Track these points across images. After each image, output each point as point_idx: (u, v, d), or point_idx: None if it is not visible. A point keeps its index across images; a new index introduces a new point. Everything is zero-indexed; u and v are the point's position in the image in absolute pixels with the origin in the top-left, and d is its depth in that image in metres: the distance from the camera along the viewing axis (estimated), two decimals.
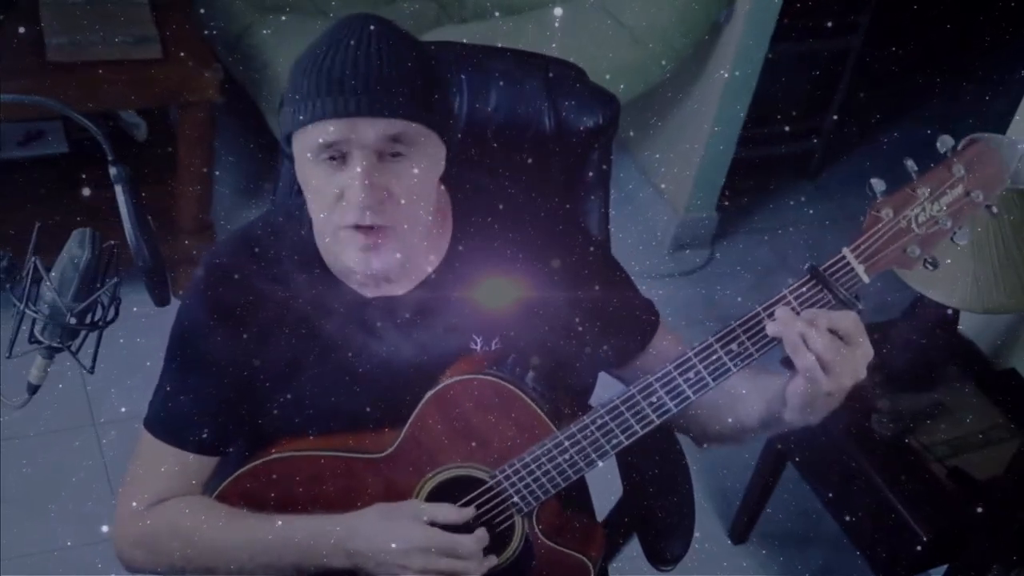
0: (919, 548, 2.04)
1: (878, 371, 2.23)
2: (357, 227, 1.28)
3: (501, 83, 1.69)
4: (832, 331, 1.20)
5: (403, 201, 1.28)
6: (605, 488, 1.70)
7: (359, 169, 1.25)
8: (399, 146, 1.26)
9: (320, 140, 1.25)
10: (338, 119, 1.23)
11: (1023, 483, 2.03)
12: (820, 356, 1.20)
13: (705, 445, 1.50)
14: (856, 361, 1.22)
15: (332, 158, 1.26)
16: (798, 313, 1.22)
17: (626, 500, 1.70)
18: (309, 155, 1.28)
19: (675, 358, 1.28)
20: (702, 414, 1.41)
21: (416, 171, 1.28)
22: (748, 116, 3.08)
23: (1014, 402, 2.23)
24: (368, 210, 1.26)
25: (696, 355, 1.26)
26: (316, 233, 1.39)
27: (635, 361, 1.50)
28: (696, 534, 1.59)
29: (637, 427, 1.31)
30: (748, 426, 1.39)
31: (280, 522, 1.36)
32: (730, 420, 1.40)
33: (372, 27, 1.26)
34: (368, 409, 1.40)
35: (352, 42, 1.25)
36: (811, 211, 3.46)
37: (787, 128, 3.48)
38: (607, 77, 2.13)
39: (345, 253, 1.31)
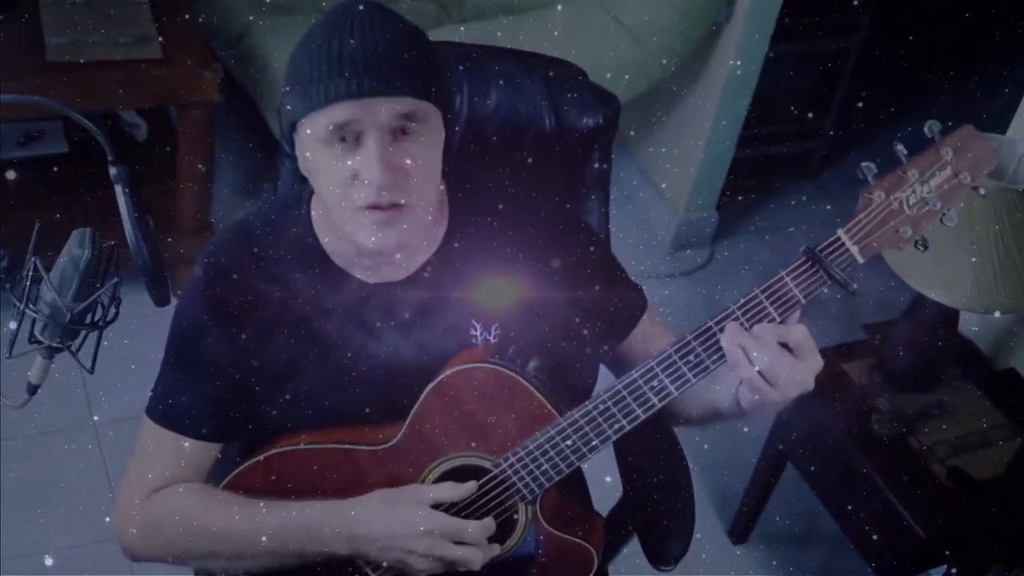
0: (919, 548, 2.04)
1: (878, 371, 2.24)
2: (372, 207, 1.28)
3: (501, 83, 1.69)
4: (782, 344, 1.25)
5: (415, 178, 1.29)
6: (605, 488, 1.70)
7: (374, 149, 1.25)
8: (410, 124, 1.27)
9: (332, 121, 1.25)
10: (351, 100, 1.23)
11: (1023, 483, 2.03)
12: (764, 371, 1.25)
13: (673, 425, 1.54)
14: (804, 373, 1.26)
15: (343, 139, 1.26)
16: (799, 298, 1.25)
17: (626, 500, 1.70)
18: (319, 140, 1.27)
19: (674, 342, 1.29)
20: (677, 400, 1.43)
21: (426, 148, 1.30)
22: (749, 116, 3.08)
23: (1014, 402, 2.23)
24: (384, 189, 1.26)
25: (695, 338, 1.28)
26: (319, 222, 1.39)
27: (622, 346, 1.52)
28: (696, 534, 1.59)
29: (639, 411, 1.32)
30: (692, 418, 1.45)
31: (284, 508, 1.36)
32: (699, 409, 1.44)
33: (369, 10, 1.27)
34: (370, 400, 1.40)
35: (354, 25, 1.25)
36: (812, 211, 3.46)
37: (787, 128, 3.48)
38: (607, 76, 2.13)
39: (361, 233, 1.30)
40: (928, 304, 2.02)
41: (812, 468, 2.28)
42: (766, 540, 2.53)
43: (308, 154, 1.31)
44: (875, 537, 2.13)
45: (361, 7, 1.27)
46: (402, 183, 1.28)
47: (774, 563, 2.50)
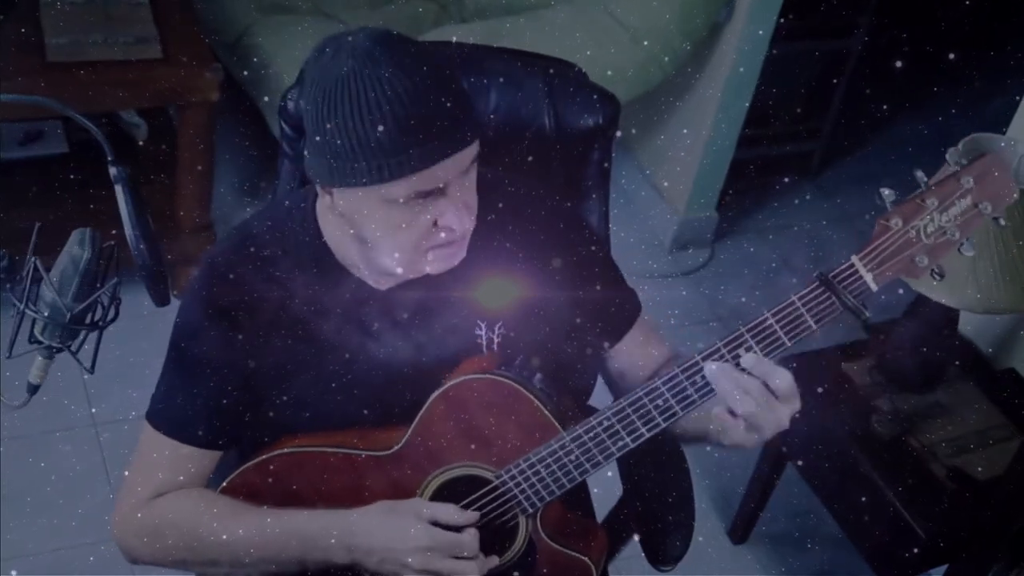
0: (919, 548, 2.04)
1: (879, 371, 2.24)
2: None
3: (501, 83, 1.69)
4: (765, 384, 1.24)
5: (474, 207, 1.33)
6: (605, 488, 1.70)
7: (457, 197, 1.28)
8: (472, 166, 1.29)
9: (418, 188, 1.24)
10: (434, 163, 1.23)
11: (1023, 483, 2.03)
12: (747, 418, 1.25)
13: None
14: (781, 416, 1.26)
15: (424, 195, 1.26)
16: (810, 324, 1.24)
17: (626, 500, 1.70)
18: (393, 203, 1.26)
19: (682, 362, 1.28)
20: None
21: (474, 179, 1.32)
22: (748, 116, 3.08)
23: (1014, 402, 2.23)
24: (464, 228, 1.30)
25: (704, 359, 1.27)
26: (324, 222, 1.38)
27: (616, 349, 1.52)
28: (696, 535, 1.59)
29: (643, 430, 1.31)
30: (691, 437, 1.44)
31: (284, 516, 1.36)
32: (680, 428, 1.43)
33: (399, 54, 1.22)
34: (373, 403, 1.40)
35: (396, 81, 1.20)
36: (812, 211, 3.46)
37: (787, 128, 3.48)
38: (607, 76, 2.13)
39: (428, 265, 1.33)
40: (928, 304, 2.02)
41: (812, 468, 2.27)
42: (766, 540, 2.53)
43: (367, 214, 1.28)
44: (875, 537, 2.13)
45: (392, 54, 1.22)
46: (470, 216, 1.32)
47: (774, 563, 2.50)
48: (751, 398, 1.24)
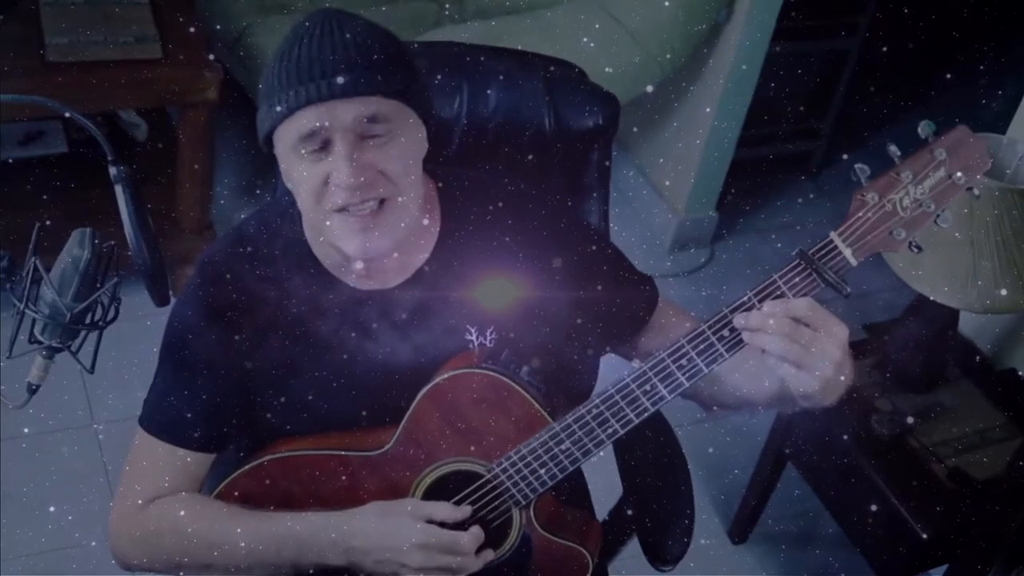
0: (919, 548, 2.04)
1: (879, 371, 2.23)
2: (348, 211, 1.28)
3: (501, 83, 1.69)
4: (795, 319, 1.21)
5: (390, 176, 1.29)
6: (605, 488, 1.70)
7: (342, 150, 1.25)
8: (378, 126, 1.27)
9: (300, 131, 1.26)
10: (315, 105, 1.24)
11: (1023, 483, 2.03)
12: (786, 358, 1.22)
13: (715, 409, 1.50)
14: (826, 346, 1.22)
15: (315, 149, 1.27)
16: None
17: (626, 500, 1.70)
18: (290, 149, 1.28)
19: (669, 344, 1.28)
20: (711, 389, 1.42)
21: (399, 147, 1.29)
22: (748, 116, 3.08)
23: (1014, 402, 2.23)
24: (357, 189, 1.27)
25: (688, 342, 1.27)
26: (307, 228, 1.39)
27: (639, 338, 1.52)
28: (696, 535, 1.59)
29: (632, 415, 1.31)
30: (759, 401, 1.40)
31: (278, 518, 1.36)
32: (741, 394, 1.41)
33: (331, 16, 1.28)
34: (364, 406, 1.40)
35: (317, 32, 1.26)
36: (811, 211, 3.46)
37: (787, 128, 3.48)
38: (607, 76, 2.13)
39: (340, 240, 1.31)
40: (929, 304, 2.02)
41: (813, 468, 2.28)
42: (766, 540, 2.53)
43: (284, 166, 1.32)
44: (875, 537, 2.13)
45: (327, 16, 1.27)
46: (374, 182, 1.28)
47: (774, 563, 2.50)
48: (782, 337, 1.21)
